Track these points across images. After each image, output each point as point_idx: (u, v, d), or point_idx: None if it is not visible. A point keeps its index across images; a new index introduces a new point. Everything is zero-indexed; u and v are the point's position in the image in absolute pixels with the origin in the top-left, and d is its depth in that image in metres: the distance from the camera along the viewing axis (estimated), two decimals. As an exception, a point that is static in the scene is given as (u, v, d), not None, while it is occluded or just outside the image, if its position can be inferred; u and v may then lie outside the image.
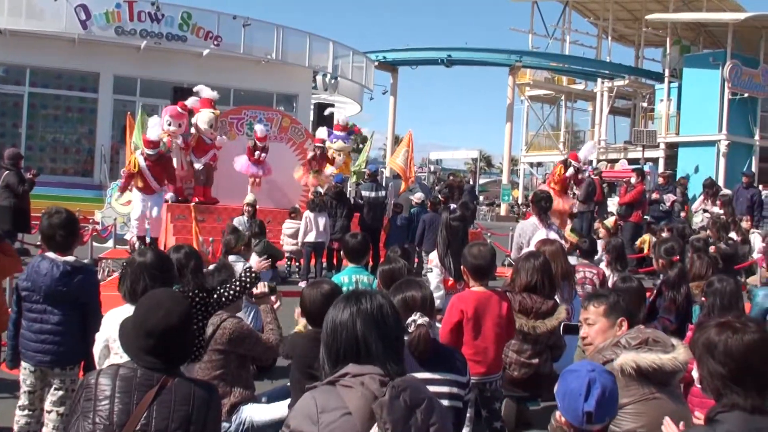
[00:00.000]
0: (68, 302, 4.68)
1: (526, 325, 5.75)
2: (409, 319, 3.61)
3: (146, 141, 13.13)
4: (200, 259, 5.63)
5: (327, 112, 19.42)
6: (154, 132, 13.43)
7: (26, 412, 4.79)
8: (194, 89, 15.90)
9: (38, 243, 12.78)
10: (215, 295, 4.86)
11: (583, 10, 41.62)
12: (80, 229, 4.94)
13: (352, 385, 2.36)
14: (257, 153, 15.65)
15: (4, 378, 6.28)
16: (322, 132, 17.13)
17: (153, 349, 2.87)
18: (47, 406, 4.75)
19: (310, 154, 16.35)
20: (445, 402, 3.66)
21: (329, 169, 16.37)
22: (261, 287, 5.16)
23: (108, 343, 4.29)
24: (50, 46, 22.68)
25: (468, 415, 4.45)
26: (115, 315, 4.32)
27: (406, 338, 3.67)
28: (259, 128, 16.10)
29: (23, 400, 4.80)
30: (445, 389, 3.61)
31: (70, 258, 4.71)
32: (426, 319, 3.66)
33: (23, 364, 4.78)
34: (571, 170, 15.02)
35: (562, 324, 5.23)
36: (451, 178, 21.47)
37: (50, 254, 4.73)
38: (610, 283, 7.94)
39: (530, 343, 5.92)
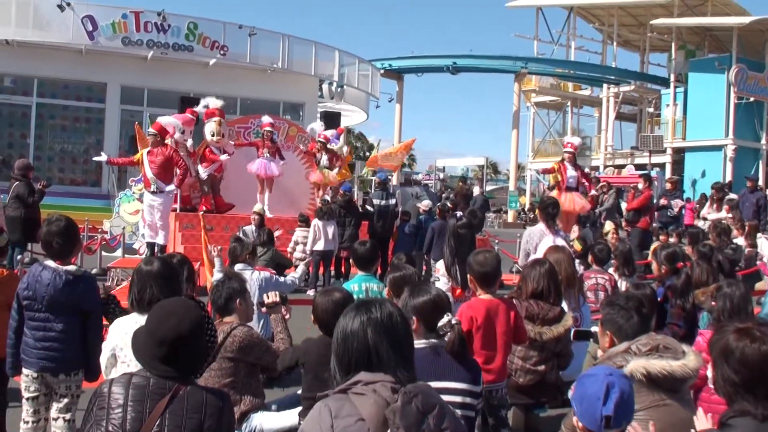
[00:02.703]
0: (72, 310, 4.68)
1: (533, 332, 5.75)
2: (443, 321, 3.64)
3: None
4: (193, 267, 5.67)
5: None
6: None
7: (31, 420, 4.76)
8: (201, 101, 16.03)
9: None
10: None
11: (587, 16, 41.64)
12: (80, 237, 4.93)
13: (364, 393, 2.39)
14: (266, 149, 15.78)
15: (14, 387, 6.30)
16: (319, 127, 17.45)
17: (165, 357, 2.90)
18: (53, 413, 4.74)
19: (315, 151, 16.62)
20: (457, 412, 3.67)
21: (331, 173, 16.47)
22: (272, 296, 5.17)
23: (115, 351, 4.30)
24: (57, 57, 22.77)
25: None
26: (122, 324, 4.34)
27: (424, 344, 3.69)
28: (265, 118, 16.35)
29: (27, 407, 4.76)
30: (458, 399, 3.61)
31: (71, 267, 4.70)
32: (456, 318, 3.69)
33: (25, 371, 4.75)
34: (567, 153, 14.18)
35: (573, 330, 5.23)
36: (459, 184, 21.43)
37: (50, 263, 4.71)
38: (620, 289, 7.95)
39: (536, 350, 5.91)
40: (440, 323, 3.64)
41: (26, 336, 4.73)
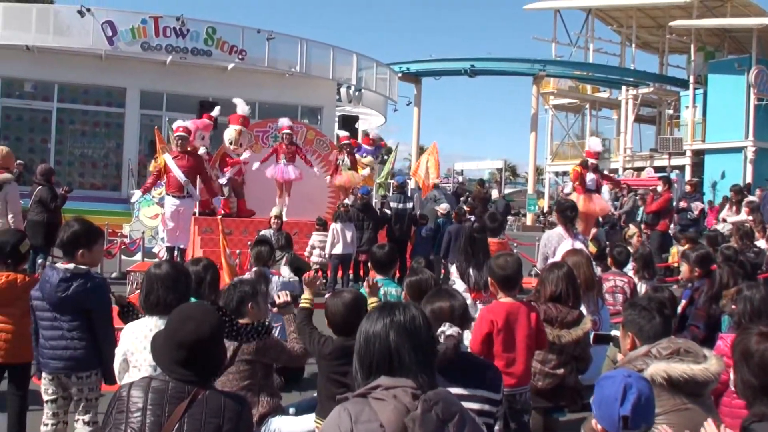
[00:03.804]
0: (72, 309, 4.75)
1: (551, 335, 5.70)
2: (438, 330, 3.60)
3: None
4: (218, 272, 5.68)
5: (358, 125, 19.56)
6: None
7: (51, 423, 4.84)
8: (233, 100, 16.08)
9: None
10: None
11: (606, 18, 41.51)
12: (94, 238, 4.97)
13: (384, 398, 2.37)
14: (284, 155, 15.80)
15: (34, 389, 6.39)
16: (343, 133, 17.45)
17: (184, 361, 2.91)
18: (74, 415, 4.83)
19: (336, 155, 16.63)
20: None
21: (357, 175, 16.47)
22: (283, 296, 5.17)
23: (126, 356, 4.32)
24: (77, 63, 23.00)
25: (496, 428, 4.45)
26: (133, 328, 4.36)
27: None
28: (283, 121, 16.34)
29: (46, 410, 4.86)
30: (476, 406, 3.56)
31: (70, 265, 4.76)
32: (455, 329, 3.65)
33: (42, 373, 4.85)
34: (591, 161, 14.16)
35: (593, 333, 5.20)
36: (477, 188, 21.41)
37: (58, 264, 4.84)
38: (639, 292, 7.91)
39: (555, 353, 5.87)
40: (437, 332, 3.61)
41: (41, 337, 4.84)
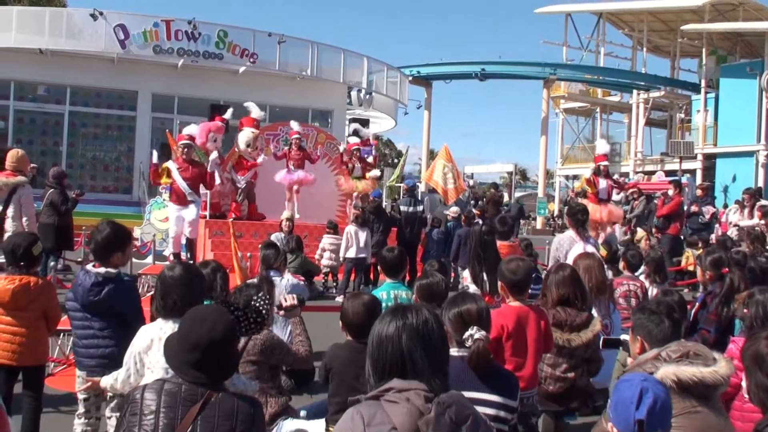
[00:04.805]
0: (104, 311, 4.83)
1: (561, 339, 5.69)
2: (466, 334, 3.59)
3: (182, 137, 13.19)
4: (226, 272, 5.72)
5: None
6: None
7: (83, 420, 4.95)
8: (244, 104, 16.12)
9: (79, 259, 13.00)
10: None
11: (617, 22, 41.43)
12: (124, 243, 5.06)
13: (397, 401, 2.36)
14: (292, 157, 15.81)
15: (55, 393, 6.45)
16: (353, 139, 17.35)
17: (198, 363, 2.91)
18: (107, 412, 4.90)
19: (345, 158, 16.60)
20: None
21: (363, 183, 16.44)
22: (290, 299, 5.17)
23: (141, 358, 4.34)
24: (90, 66, 23.09)
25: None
26: (146, 330, 4.38)
27: (464, 353, 3.67)
28: (293, 124, 16.38)
29: (80, 408, 4.97)
30: (491, 411, 3.55)
31: (102, 269, 4.83)
32: (483, 333, 3.64)
33: (77, 372, 4.97)
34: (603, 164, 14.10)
35: (602, 338, 5.19)
36: (491, 191, 21.40)
37: (88, 266, 4.91)
38: (650, 296, 7.88)
39: (565, 357, 5.86)
40: (464, 336, 3.60)
41: (74, 337, 5.01)
